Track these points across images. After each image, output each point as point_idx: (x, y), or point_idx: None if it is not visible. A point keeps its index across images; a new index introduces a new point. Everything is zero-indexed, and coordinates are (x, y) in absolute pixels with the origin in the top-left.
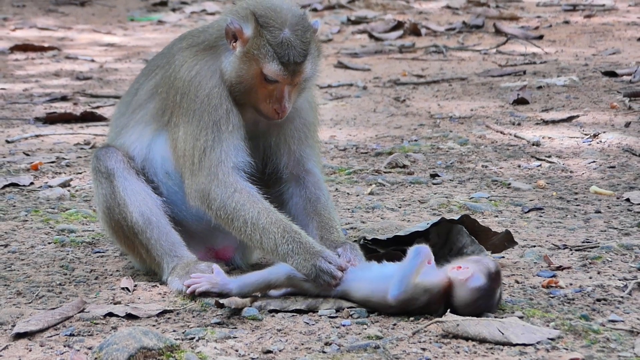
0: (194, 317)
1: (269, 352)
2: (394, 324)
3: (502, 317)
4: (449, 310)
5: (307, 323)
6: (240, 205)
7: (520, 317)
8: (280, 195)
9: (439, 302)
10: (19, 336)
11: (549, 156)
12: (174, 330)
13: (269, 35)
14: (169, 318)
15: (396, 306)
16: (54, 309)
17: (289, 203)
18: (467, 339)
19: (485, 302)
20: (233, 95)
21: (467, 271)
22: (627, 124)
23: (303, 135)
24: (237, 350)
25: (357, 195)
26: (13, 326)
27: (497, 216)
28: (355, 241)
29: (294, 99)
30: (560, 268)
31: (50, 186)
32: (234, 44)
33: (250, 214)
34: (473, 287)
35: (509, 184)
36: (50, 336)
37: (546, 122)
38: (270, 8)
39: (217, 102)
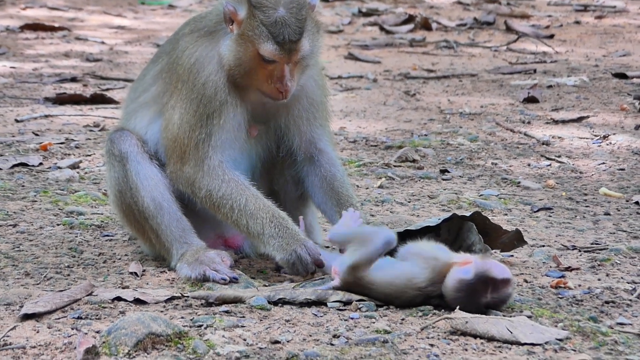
0: (202, 304)
1: (277, 342)
2: (402, 319)
3: (511, 316)
4: (458, 307)
5: (316, 315)
6: (227, 195)
7: (529, 317)
8: (296, 176)
9: (440, 277)
10: (26, 317)
11: (559, 156)
12: (182, 317)
13: (262, 15)
14: (177, 304)
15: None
16: (62, 291)
17: (305, 182)
18: (475, 336)
19: (464, 297)
20: (234, 79)
21: (467, 258)
22: (637, 127)
23: (311, 116)
24: (245, 340)
25: (367, 188)
26: (21, 307)
27: (506, 214)
28: None
29: (298, 77)
30: (569, 269)
31: (59, 167)
32: (231, 27)
33: (237, 201)
34: (458, 277)
35: (519, 182)
36: (58, 318)
37: (556, 122)
38: None
39: (212, 93)
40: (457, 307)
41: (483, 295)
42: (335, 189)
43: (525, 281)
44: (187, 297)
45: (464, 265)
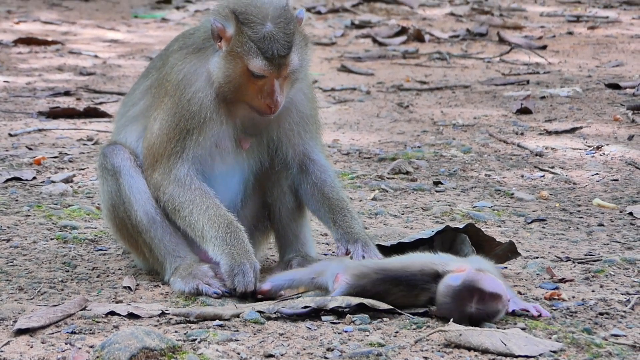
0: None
1: (271, 356)
2: (396, 332)
3: (505, 328)
4: (443, 314)
5: (309, 328)
6: (189, 200)
7: (523, 329)
8: (292, 186)
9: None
10: (20, 332)
11: (552, 167)
12: (176, 331)
13: (250, 31)
14: (170, 319)
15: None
16: (55, 305)
17: (298, 192)
18: (469, 349)
19: (449, 302)
20: (223, 95)
21: (461, 267)
22: (630, 137)
23: (302, 129)
24: (238, 354)
25: (360, 201)
26: (14, 322)
27: (500, 226)
28: None
29: (287, 91)
30: (562, 280)
31: (53, 181)
32: (219, 43)
33: (198, 206)
34: (446, 283)
35: (512, 194)
36: (52, 333)
37: (549, 133)
38: (251, 4)
39: (196, 110)
40: (442, 314)
41: (467, 304)
42: (325, 194)
43: (519, 293)
44: (168, 313)
45: (457, 273)
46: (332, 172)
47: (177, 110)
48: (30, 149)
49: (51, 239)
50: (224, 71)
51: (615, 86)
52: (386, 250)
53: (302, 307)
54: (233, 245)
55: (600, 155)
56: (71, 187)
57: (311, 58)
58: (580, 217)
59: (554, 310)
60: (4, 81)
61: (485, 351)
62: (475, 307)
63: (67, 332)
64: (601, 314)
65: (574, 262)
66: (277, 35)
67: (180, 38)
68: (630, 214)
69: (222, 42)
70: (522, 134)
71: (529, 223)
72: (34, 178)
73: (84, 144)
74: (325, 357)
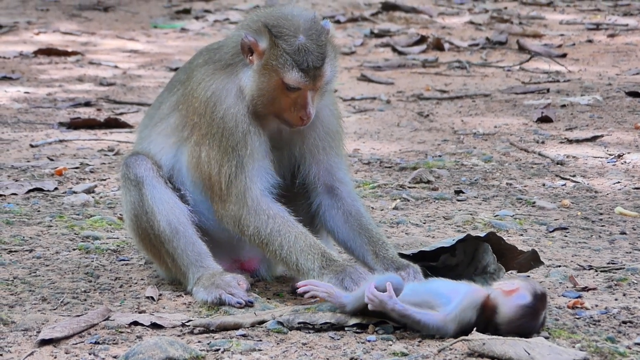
0: (204, 330)
1: None
2: (420, 341)
3: (528, 337)
4: (474, 329)
5: (333, 338)
6: (275, 231)
7: (546, 338)
8: (311, 208)
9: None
10: (44, 342)
11: (574, 175)
12: (199, 341)
13: (284, 44)
14: (193, 328)
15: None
16: (79, 316)
17: (324, 216)
18: (492, 357)
19: (528, 321)
20: (255, 109)
21: (513, 284)
22: None
23: (327, 145)
24: None
25: (382, 210)
26: (38, 332)
27: (522, 235)
28: None
29: (317, 103)
30: (585, 289)
31: (74, 192)
32: (250, 57)
33: (286, 238)
34: (517, 304)
35: (534, 202)
36: (75, 343)
37: (570, 141)
38: (281, 17)
39: (233, 125)
40: (517, 332)
41: (542, 312)
42: (364, 226)
43: None
44: (189, 325)
45: (513, 293)
46: (361, 201)
47: (215, 130)
48: (52, 159)
49: (73, 250)
50: (258, 85)
51: (635, 94)
52: (408, 260)
53: (322, 323)
54: (329, 267)
55: (622, 163)
56: (93, 197)
57: (340, 69)
58: (602, 226)
59: (578, 319)
60: (25, 92)
61: None
62: (544, 315)
63: (91, 343)
64: (624, 322)
65: (596, 271)
66: (311, 47)
67: (204, 52)
68: None
69: (254, 56)
70: (543, 142)
71: (551, 232)
72: (56, 189)
73: (105, 155)
74: None
